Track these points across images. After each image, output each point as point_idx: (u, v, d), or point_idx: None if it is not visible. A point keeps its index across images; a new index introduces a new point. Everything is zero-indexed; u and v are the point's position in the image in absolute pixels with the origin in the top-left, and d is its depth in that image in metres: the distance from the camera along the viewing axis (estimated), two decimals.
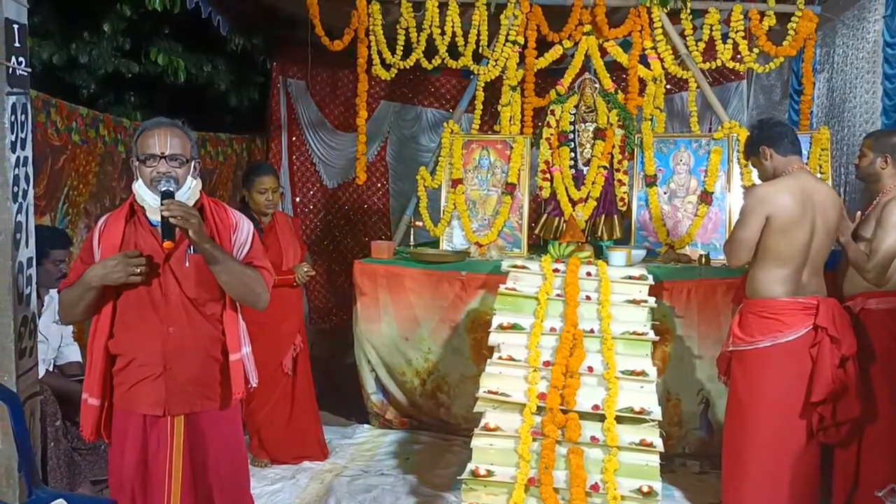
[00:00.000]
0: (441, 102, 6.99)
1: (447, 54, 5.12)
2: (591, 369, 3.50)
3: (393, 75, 5.25)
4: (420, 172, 5.11)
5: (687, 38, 5.08)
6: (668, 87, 5.66)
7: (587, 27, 5.01)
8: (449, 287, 4.57)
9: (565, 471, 3.17)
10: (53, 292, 3.51)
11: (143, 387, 2.42)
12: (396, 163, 7.01)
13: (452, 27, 5.06)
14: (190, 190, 2.42)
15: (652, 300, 3.88)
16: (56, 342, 3.69)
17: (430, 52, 5.13)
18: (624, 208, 4.82)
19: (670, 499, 3.83)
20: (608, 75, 5.03)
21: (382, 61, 5.18)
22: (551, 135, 4.87)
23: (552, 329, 3.73)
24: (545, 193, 4.86)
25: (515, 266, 4.15)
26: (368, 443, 4.64)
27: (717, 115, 5.05)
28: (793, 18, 4.92)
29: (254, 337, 2.70)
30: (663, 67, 5.03)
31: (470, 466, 3.25)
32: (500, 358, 3.62)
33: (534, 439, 3.26)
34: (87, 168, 4.49)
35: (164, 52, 5.98)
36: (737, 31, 4.95)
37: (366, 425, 4.91)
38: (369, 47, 5.15)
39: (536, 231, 4.98)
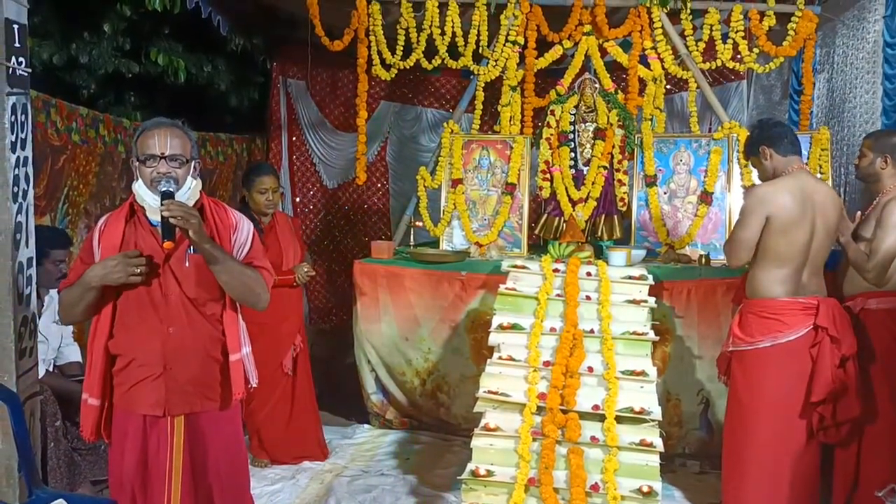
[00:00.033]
0: (441, 102, 6.99)
1: (447, 54, 5.12)
2: (591, 369, 3.50)
3: (393, 75, 5.25)
4: (420, 172, 5.11)
5: (687, 38, 5.08)
6: (668, 87, 5.66)
7: (587, 27, 5.01)
8: (449, 287, 4.57)
9: (565, 471, 3.17)
10: (53, 292, 3.51)
11: (143, 387, 2.42)
12: (396, 163, 7.01)
13: (452, 27, 5.06)
14: (190, 190, 2.42)
15: (652, 300, 3.88)
16: (56, 342, 3.69)
17: (430, 52, 5.13)
18: (624, 208, 4.82)
19: (670, 499, 3.83)
20: (608, 75, 5.03)
21: (382, 61, 5.18)
22: (551, 135, 4.87)
23: (552, 329, 3.73)
24: (545, 193, 4.86)
25: (515, 266, 4.15)
26: (368, 443, 4.64)
27: (717, 115, 5.05)
28: (793, 18, 4.92)
29: (254, 337, 2.70)
30: (663, 67, 5.04)
31: (470, 466, 3.25)
32: (500, 358, 3.62)
33: (534, 439, 3.26)
34: (87, 168, 4.49)
35: (164, 53, 5.98)
36: (737, 32, 4.95)
37: (366, 425, 4.91)
38: (369, 47, 5.15)
39: (536, 231, 4.98)
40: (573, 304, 3.81)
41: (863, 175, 3.55)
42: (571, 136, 4.84)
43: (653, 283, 4.00)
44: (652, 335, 3.68)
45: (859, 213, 3.51)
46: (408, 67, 5.20)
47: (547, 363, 3.55)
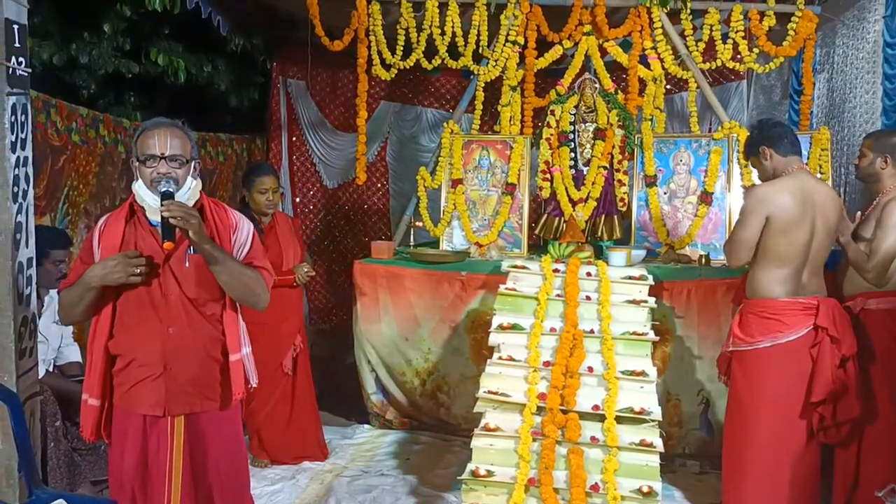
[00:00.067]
0: (441, 102, 6.99)
1: (447, 54, 5.12)
2: (591, 369, 3.50)
3: (393, 75, 5.25)
4: (420, 172, 5.11)
5: (687, 39, 5.08)
6: (668, 87, 5.66)
7: (587, 27, 5.01)
8: (449, 287, 4.57)
9: (565, 471, 3.17)
10: (53, 292, 3.51)
11: (143, 387, 2.42)
12: (396, 163, 7.01)
13: (452, 27, 5.06)
14: (190, 190, 2.42)
15: (652, 300, 3.88)
16: (56, 342, 3.69)
17: (430, 52, 5.13)
18: (624, 208, 4.82)
19: (670, 499, 3.83)
20: (608, 75, 5.03)
21: (382, 61, 5.18)
22: (551, 135, 4.87)
23: (552, 329, 3.73)
24: (545, 194, 4.86)
25: (515, 266, 4.15)
26: (368, 443, 4.64)
27: (717, 115, 5.05)
28: (793, 18, 4.92)
29: (254, 337, 2.70)
30: (663, 67, 5.04)
31: (470, 467, 3.25)
32: (500, 358, 3.62)
33: (534, 439, 3.26)
34: (87, 168, 4.49)
35: (164, 53, 5.98)
36: (737, 32, 4.95)
37: (366, 426, 4.91)
38: (369, 47, 5.15)
39: (536, 231, 4.98)
40: (573, 304, 3.81)
41: (863, 175, 3.55)
42: (571, 136, 4.84)
43: (653, 283, 4.00)
44: (652, 335, 3.68)
45: (859, 213, 3.51)
46: (408, 67, 5.20)
47: (547, 363, 3.55)
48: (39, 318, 3.21)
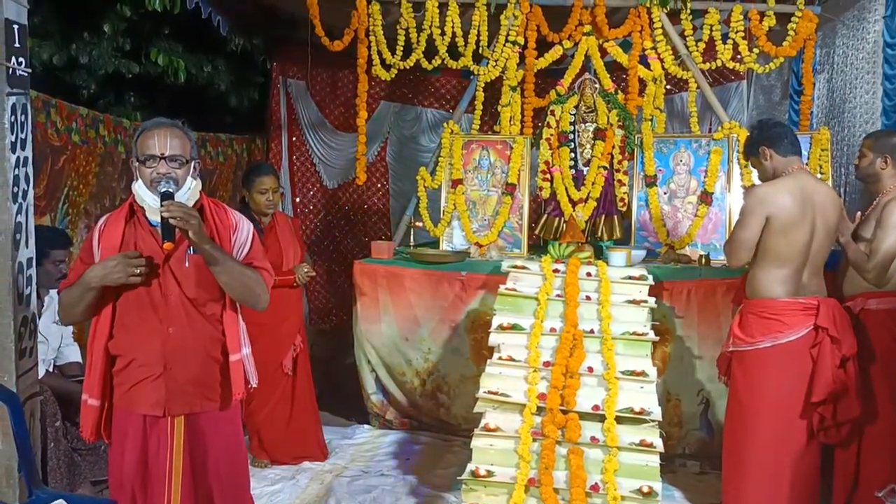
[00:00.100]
0: (441, 103, 6.99)
1: (447, 55, 5.12)
2: (591, 370, 3.50)
3: (393, 76, 5.25)
4: (420, 173, 5.11)
5: (687, 39, 5.08)
6: (668, 87, 5.66)
7: (587, 27, 5.01)
8: (449, 287, 4.57)
9: (565, 471, 3.17)
10: (53, 293, 3.51)
11: (143, 387, 2.42)
12: (396, 163, 7.01)
13: (452, 27, 5.06)
14: (190, 191, 2.42)
15: (652, 300, 3.88)
16: (56, 342, 3.69)
17: (430, 52, 5.13)
18: (624, 208, 4.82)
19: (670, 499, 3.83)
20: (608, 75, 5.03)
21: (382, 62, 5.18)
22: (551, 135, 4.87)
23: (552, 329, 3.73)
24: (545, 194, 4.86)
25: (515, 266, 4.15)
26: (368, 443, 4.64)
27: (717, 115, 5.05)
28: (793, 19, 4.92)
29: (254, 337, 2.70)
30: (663, 68, 5.04)
31: (470, 467, 3.25)
32: (500, 358, 3.62)
33: (534, 440, 3.26)
34: (87, 168, 4.49)
35: (165, 53, 5.98)
36: (737, 32, 4.95)
37: (366, 426, 4.91)
38: (369, 47, 5.15)
39: (536, 231, 4.98)
40: (573, 304, 3.81)
41: (863, 175, 3.55)
42: (571, 136, 4.84)
43: (653, 283, 4.00)
44: (652, 335, 3.68)
45: (859, 213, 3.51)
46: (408, 67, 5.20)
47: (547, 363, 3.55)
48: (39, 318, 3.21)
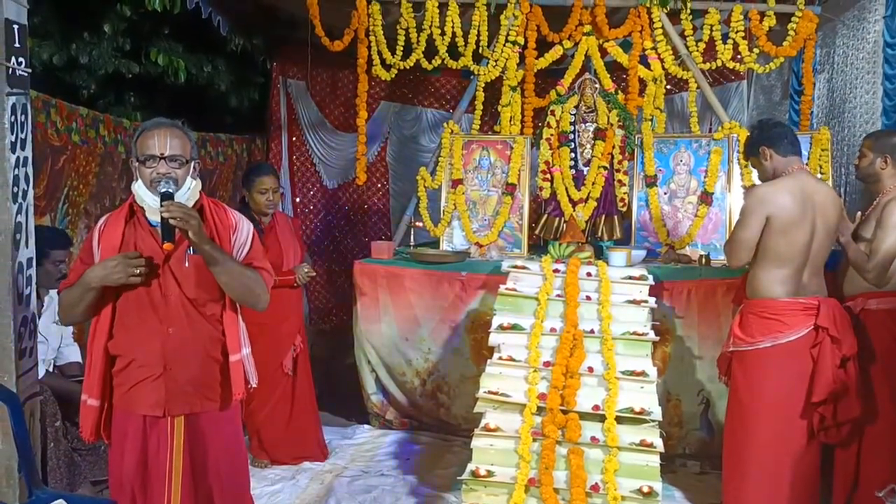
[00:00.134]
0: (441, 103, 6.99)
1: (447, 55, 5.12)
2: (591, 370, 3.50)
3: (393, 76, 5.25)
4: (420, 173, 5.11)
5: (687, 39, 5.08)
6: (668, 87, 5.66)
7: (587, 27, 5.01)
8: (449, 287, 4.57)
9: (565, 471, 3.17)
10: (53, 293, 3.51)
11: (143, 387, 2.42)
12: (396, 163, 7.02)
13: (452, 27, 5.06)
14: (189, 191, 2.42)
15: (652, 300, 3.88)
16: (56, 343, 3.69)
17: (430, 52, 5.13)
18: (624, 209, 4.82)
19: (670, 499, 3.83)
20: (608, 75, 5.03)
21: (382, 62, 5.18)
22: (551, 135, 4.87)
23: (552, 329, 3.73)
24: (545, 194, 4.86)
25: (515, 266, 4.15)
26: (368, 443, 4.64)
27: (718, 115, 5.05)
28: (793, 19, 4.92)
29: (254, 337, 2.70)
30: (663, 68, 5.04)
31: (470, 467, 3.25)
32: (500, 358, 3.62)
33: (534, 440, 3.26)
34: (87, 168, 4.49)
35: (165, 53, 5.98)
36: (737, 32, 4.95)
37: (366, 426, 4.90)
38: (369, 47, 5.15)
39: (537, 231, 4.97)
40: (573, 304, 3.81)
41: (863, 175, 3.55)
42: (571, 136, 4.84)
43: (653, 283, 4.00)
44: (652, 335, 3.68)
45: (859, 213, 3.52)
46: (408, 67, 5.20)
47: (547, 363, 3.55)
48: (39, 318, 3.21)
